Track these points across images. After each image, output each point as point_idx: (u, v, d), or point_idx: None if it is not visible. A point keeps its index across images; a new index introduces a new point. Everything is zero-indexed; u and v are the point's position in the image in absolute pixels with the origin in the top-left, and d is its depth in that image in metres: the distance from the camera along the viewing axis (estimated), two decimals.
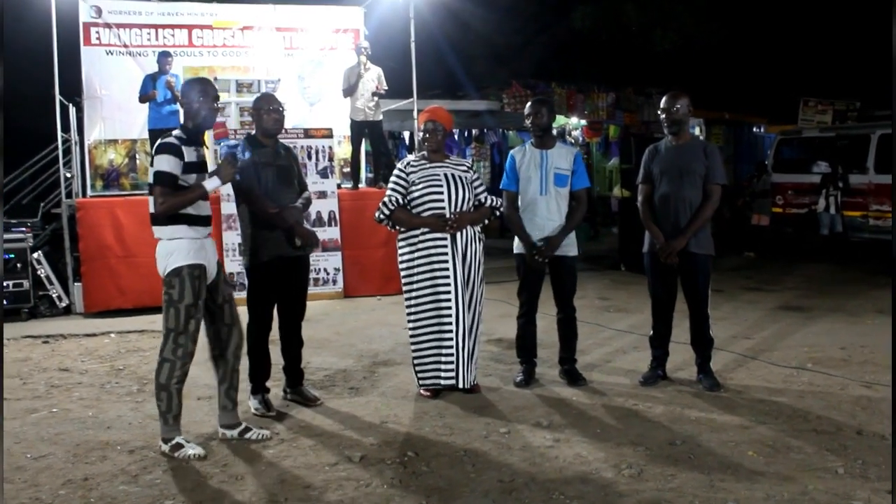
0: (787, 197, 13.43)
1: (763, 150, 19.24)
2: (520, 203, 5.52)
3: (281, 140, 5.26)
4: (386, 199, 5.21)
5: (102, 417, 4.95)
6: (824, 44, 21.21)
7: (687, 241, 5.20)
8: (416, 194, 5.17)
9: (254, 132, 5.15)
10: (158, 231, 4.22)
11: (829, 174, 12.48)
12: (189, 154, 4.21)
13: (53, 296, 8.88)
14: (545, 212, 5.42)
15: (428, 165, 5.27)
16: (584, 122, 17.69)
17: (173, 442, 4.23)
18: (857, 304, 8.51)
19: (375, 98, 9.98)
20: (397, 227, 5.25)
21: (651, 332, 5.59)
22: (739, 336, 6.96)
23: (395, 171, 5.33)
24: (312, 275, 9.18)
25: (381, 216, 5.21)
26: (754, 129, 20.41)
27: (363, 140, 10.40)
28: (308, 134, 9.64)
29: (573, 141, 18.55)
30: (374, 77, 9.96)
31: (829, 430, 4.48)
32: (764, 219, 13.17)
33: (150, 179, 4.20)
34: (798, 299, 8.89)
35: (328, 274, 9.47)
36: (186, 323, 4.18)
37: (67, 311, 8.90)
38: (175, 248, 4.17)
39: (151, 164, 4.19)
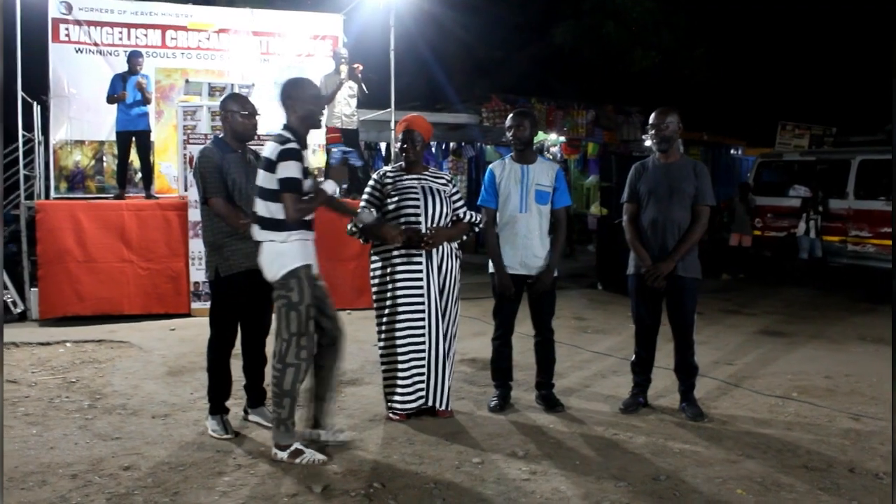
0: (766, 220, 13.32)
1: (741, 173, 19.19)
2: (498, 220, 5.25)
3: (251, 147, 4.99)
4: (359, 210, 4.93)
5: (47, 436, 4.60)
6: (803, 69, 21.32)
7: (675, 264, 4.98)
8: (391, 207, 4.91)
9: (222, 135, 4.87)
10: (271, 234, 4.12)
11: (809, 198, 12.39)
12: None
13: (7, 301, 8.47)
14: (525, 230, 5.14)
15: (405, 177, 5.00)
16: (562, 138, 17.51)
17: (292, 448, 4.18)
18: (839, 330, 8.36)
19: (353, 106, 9.79)
20: (370, 241, 4.98)
21: (633, 357, 5.35)
22: (721, 361, 6.75)
23: (370, 182, 5.06)
24: None
25: (354, 229, 4.94)
26: (732, 152, 20.37)
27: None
28: None
29: (551, 157, 18.38)
30: (351, 84, 9.79)
31: (820, 466, 4.25)
32: (746, 239, 13.02)
33: (263, 183, 4.13)
34: (778, 324, 8.72)
35: None
36: (307, 324, 4.16)
37: (23, 317, 8.49)
38: (288, 250, 4.12)
39: (272, 170, 4.08)
